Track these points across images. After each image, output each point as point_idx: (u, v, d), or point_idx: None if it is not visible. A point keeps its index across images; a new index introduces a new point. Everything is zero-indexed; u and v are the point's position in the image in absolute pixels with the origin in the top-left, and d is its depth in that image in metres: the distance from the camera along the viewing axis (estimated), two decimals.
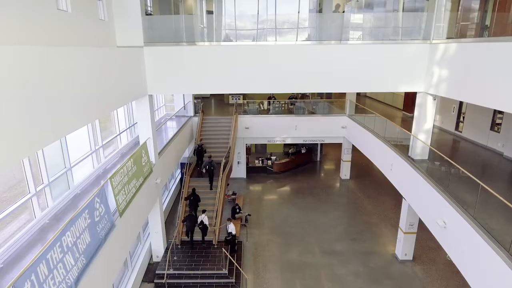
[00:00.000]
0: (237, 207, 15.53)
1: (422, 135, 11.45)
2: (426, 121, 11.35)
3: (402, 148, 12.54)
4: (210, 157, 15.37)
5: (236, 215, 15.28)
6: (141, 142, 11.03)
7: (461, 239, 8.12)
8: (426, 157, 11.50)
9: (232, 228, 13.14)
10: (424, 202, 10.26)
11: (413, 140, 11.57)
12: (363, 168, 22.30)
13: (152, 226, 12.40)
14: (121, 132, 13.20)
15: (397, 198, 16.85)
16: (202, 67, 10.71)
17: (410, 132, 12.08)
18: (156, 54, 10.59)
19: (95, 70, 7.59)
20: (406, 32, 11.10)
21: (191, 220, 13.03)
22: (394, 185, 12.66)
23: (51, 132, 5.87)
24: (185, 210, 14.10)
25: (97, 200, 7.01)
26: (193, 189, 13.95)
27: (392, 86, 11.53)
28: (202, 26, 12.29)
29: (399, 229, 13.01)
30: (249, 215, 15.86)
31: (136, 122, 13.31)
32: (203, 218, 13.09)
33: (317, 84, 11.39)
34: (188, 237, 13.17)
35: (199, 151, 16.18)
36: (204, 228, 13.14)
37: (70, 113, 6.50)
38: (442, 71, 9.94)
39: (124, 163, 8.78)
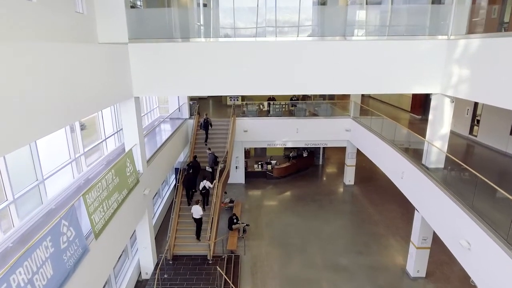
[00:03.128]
0: (234, 217, 14.45)
1: (437, 141, 10.36)
2: (442, 125, 10.25)
3: (414, 154, 11.47)
4: (210, 148, 15.60)
5: (233, 226, 14.19)
6: (126, 149, 9.96)
7: (490, 263, 7.04)
8: (442, 166, 10.42)
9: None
10: (442, 217, 9.17)
11: (427, 147, 10.46)
12: (368, 172, 21.22)
13: (140, 241, 11.31)
14: (107, 138, 12.11)
15: (406, 206, 15.81)
16: (193, 66, 9.62)
17: (423, 137, 11.03)
18: (143, 51, 9.51)
19: (69, 68, 6.60)
20: (421, 27, 10.02)
21: (189, 181, 13.56)
22: (406, 195, 11.57)
23: (13, 137, 4.89)
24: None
25: (64, 223, 5.93)
26: (194, 156, 14.84)
27: (405, 87, 10.43)
28: (197, 23, 11.21)
29: (410, 243, 11.90)
30: (247, 225, 14.77)
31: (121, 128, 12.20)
32: (205, 183, 13.34)
33: (322, 85, 10.30)
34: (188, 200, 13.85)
35: (205, 124, 17.01)
36: (206, 194, 13.47)
37: (39, 116, 5.57)
38: (463, 70, 8.86)
39: (102, 176, 7.70)
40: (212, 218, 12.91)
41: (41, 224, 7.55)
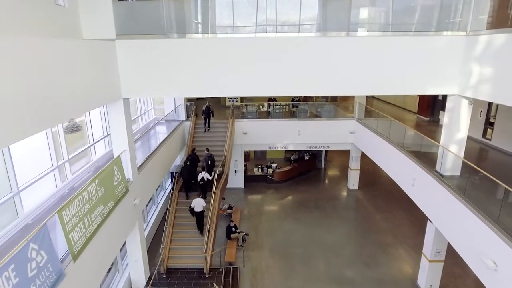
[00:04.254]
0: (232, 225, 13.59)
1: (453, 146, 9.54)
2: (459, 129, 9.43)
3: (426, 160, 10.65)
4: (208, 149, 14.92)
5: (232, 235, 13.34)
6: (115, 156, 9.11)
7: None
8: (458, 173, 9.60)
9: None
10: (461, 230, 8.33)
11: (443, 152, 9.63)
12: (372, 176, 20.41)
13: (131, 254, 10.46)
14: (96, 142, 11.26)
15: (413, 212, 15.13)
16: (188, 64, 8.78)
17: (434, 140, 10.21)
18: (132, 48, 8.66)
19: (47, 66, 5.87)
20: (435, 22, 9.17)
21: (188, 172, 13.34)
22: (417, 205, 10.73)
23: None
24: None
25: (33, 247, 5.08)
26: (193, 149, 14.72)
27: (418, 88, 9.59)
28: (192, 17, 10.32)
29: (422, 256, 11.06)
30: (246, 234, 13.90)
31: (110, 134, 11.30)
32: (203, 174, 13.19)
33: (326, 86, 9.42)
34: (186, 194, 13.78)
35: (207, 112, 16.98)
36: (204, 185, 13.22)
37: (9, 120, 4.88)
38: (484, 69, 8.02)
39: (84, 188, 6.85)
40: (209, 228, 12.06)
41: (16, 241, 6.70)
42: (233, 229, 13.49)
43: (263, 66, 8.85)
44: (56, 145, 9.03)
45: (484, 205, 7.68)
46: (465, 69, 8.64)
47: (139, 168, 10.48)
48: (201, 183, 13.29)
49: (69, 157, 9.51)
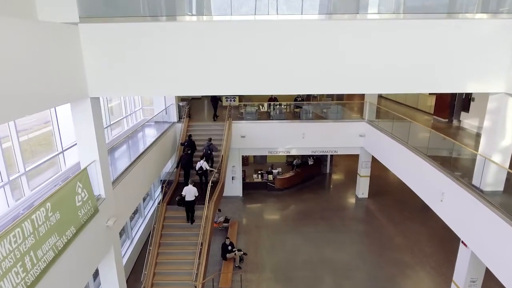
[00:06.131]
0: (228, 243, 11.86)
1: (496, 156, 7.83)
2: (503, 136, 7.71)
3: (455, 169, 9.00)
4: (210, 139, 13.92)
5: (228, 255, 11.62)
6: (82, 168, 7.37)
7: None
8: (501, 188, 7.92)
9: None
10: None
11: (484, 163, 7.93)
12: (383, 181, 18.72)
13: (106, 286, 8.70)
14: (65, 150, 9.49)
15: (431, 224, 13.61)
16: (173, 55, 7.05)
17: (467, 148, 8.53)
18: (101, 35, 6.87)
19: None
20: (474, 2, 7.47)
21: (187, 160, 12.68)
22: (448, 224, 9.01)
23: None
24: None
25: None
26: (189, 135, 14.05)
27: (452, 86, 7.76)
28: None
29: (452, 284, 9.36)
30: (244, 254, 12.16)
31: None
32: (202, 163, 12.48)
33: (335, 82, 7.57)
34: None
35: (214, 99, 16.61)
36: (203, 174, 12.54)
37: None
38: None
39: (25, 216, 5.11)
40: (201, 248, 10.32)
41: None
42: (229, 247, 11.76)
43: (263, 57, 7.11)
44: (11, 155, 7.29)
45: None
46: None
47: (116, 180, 8.75)
48: (199, 172, 12.47)
49: (26, 169, 7.76)
